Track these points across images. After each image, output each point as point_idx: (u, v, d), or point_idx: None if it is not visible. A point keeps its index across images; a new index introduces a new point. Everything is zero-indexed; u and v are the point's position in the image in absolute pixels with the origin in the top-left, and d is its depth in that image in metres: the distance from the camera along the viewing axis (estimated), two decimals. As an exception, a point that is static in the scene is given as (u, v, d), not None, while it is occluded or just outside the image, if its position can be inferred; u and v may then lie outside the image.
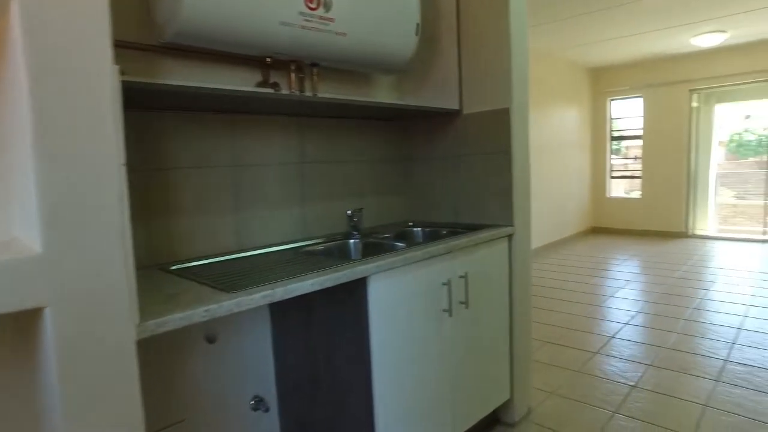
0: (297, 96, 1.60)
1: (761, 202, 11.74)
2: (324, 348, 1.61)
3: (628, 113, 7.10)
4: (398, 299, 1.52)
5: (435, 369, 1.68)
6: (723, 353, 2.76)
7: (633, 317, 3.42)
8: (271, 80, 1.81)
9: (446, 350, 1.72)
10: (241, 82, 1.75)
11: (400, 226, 2.26)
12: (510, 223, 2.03)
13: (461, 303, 1.76)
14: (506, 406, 2.11)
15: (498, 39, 1.99)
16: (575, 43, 5.51)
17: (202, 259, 1.60)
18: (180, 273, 1.40)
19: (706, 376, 2.49)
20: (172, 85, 1.25)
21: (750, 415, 2.14)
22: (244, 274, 1.34)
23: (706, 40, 5.31)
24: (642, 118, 6.83)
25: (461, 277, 1.76)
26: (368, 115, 2.13)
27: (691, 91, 6.36)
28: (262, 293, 1.13)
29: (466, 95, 2.15)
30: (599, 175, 7.27)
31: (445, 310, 1.69)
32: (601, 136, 7.20)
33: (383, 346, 1.47)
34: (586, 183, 7.18)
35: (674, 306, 3.63)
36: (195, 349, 1.59)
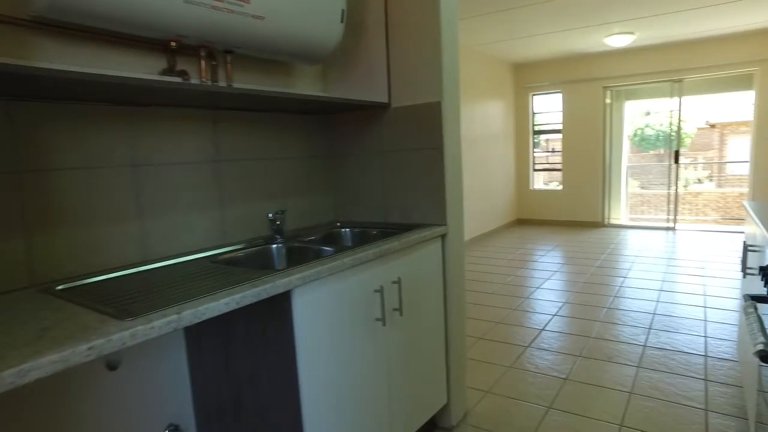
0: (208, 86, 1.41)
1: (662, 192, 12.80)
2: (247, 367, 1.45)
3: (548, 108, 7.39)
4: (326, 311, 1.38)
5: (370, 383, 1.56)
6: (641, 339, 2.89)
7: (560, 308, 3.51)
8: (178, 68, 1.60)
9: (381, 362, 1.61)
10: (142, 69, 1.52)
11: (328, 227, 2.12)
12: (443, 222, 1.95)
13: (395, 310, 1.66)
14: (444, 410, 2.04)
15: (428, 30, 1.89)
16: (497, 38, 5.61)
17: (98, 275, 1.37)
18: (67, 295, 1.17)
19: (629, 363, 2.58)
20: (39, 68, 1.03)
21: (667, 397, 2.23)
22: (147, 293, 1.15)
23: (617, 40, 5.60)
24: (561, 113, 7.12)
25: (394, 282, 1.65)
26: (291, 108, 1.97)
27: (605, 88, 6.71)
28: (166, 319, 0.95)
29: (395, 88, 2.04)
30: (523, 167, 7.51)
31: (378, 319, 1.58)
32: (524, 130, 7.43)
33: (312, 363, 1.33)
34: (511, 176, 7.40)
35: (596, 295, 3.78)
36: (93, 378, 1.37)
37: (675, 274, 4.29)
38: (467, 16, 4.65)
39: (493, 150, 6.74)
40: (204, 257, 1.61)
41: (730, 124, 15.76)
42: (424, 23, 1.90)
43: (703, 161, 16.61)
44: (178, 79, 1.57)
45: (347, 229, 2.12)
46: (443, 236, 1.96)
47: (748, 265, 1.92)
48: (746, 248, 1.93)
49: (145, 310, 0.99)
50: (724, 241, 5.70)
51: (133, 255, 1.53)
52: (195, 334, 1.58)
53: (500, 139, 6.96)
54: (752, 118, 6.00)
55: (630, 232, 6.56)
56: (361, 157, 2.19)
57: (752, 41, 5.76)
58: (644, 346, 2.79)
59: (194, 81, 1.64)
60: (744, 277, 1.94)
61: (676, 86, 6.30)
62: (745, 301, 1.51)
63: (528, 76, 7.22)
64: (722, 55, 5.92)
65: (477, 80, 6.23)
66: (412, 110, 1.99)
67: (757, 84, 5.86)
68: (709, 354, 2.66)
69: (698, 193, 11.75)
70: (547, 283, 4.20)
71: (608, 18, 4.90)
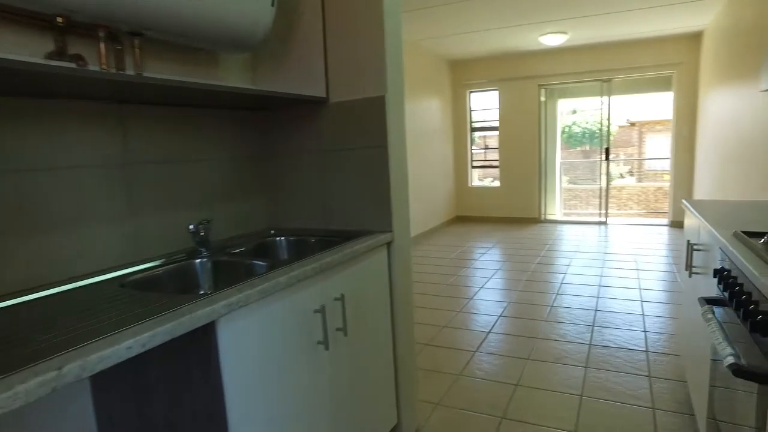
0: (106, 74, 1.16)
1: (590, 187, 13.40)
2: (165, 413, 1.21)
3: (486, 105, 7.45)
4: (259, 339, 1.18)
5: (312, 412, 1.37)
6: (586, 337, 2.89)
7: (505, 308, 3.47)
8: (71, 51, 1.32)
9: (324, 389, 1.43)
10: (22, 50, 1.24)
11: (261, 236, 1.90)
12: (388, 229, 1.79)
13: (338, 330, 1.48)
14: (394, 431, 1.89)
15: (369, 16, 1.72)
16: (435, 34, 5.55)
17: (-37, 310, 1.09)
18: None
19: (577, 364, 2.55)
20: None
21: (616, 398, 2.21)
22: (22, 337, 0.90)
23: (551, 39, 5.70)
24: (498, 111, 7.20)
25: (337, 299, 1.47)
26: (217, 103, 1.73)
27: (540, 86, 6.85)
28: (38, 379, 0.72)
29: (333, 81, 1.85)
30: (462, 165, 7.54)
31: (320, 342, 1.39)
32: (462, 127, 7.46)
33: (243, 401, 1.13)
34: (450, 173, 7.40)
35: (539, 293, 3.78)
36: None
37: (611, 269, 4.41)
38: (404, 10, 4.53)
39: (432, 147, 6.69)
40: (112, 279, 1.35)
41: (648, 122, 16.84)
42: (365, 11, 1.73)
43: (624, 157, 17.66)
44: (71, 65, 1.30)
45: (283, 238, 1.91)
46: (389, 244, 1.80)
47: (694, 264, 1.91)
48: (691, 248, 1.92)
49: (10, 367, 0.75)
50: (650, 233, 5.99)
51: (15, 280, 1.24)
52: (101, 375, 1.33)
53: (439, 136, 6.93)
54: (671, 118, 6.33)
55: (565, 227, 6.74)
56: (297, 157, 1.98)
57: (671, 45, 6.07)
58: (589, 344, 2.79)
59: (93, 68, 1.37)
60: (689, 276, 1.93)
61: (605, 86, 6.53)
62: (702, 305, 1.47)
63: (465, 73, 7.24)
64: (646, 58, 6.20)
65: (415, 76, 6.14)
66: (352, 105, 1.81)
67: (675, 86, 6.19)
68: (650, 349, 2.69)
69: (622, 188, 12.41)
70: (490, 282, 4.17)
71: (542, 17, 4.96)
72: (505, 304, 3.55)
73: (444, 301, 3.70)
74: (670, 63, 6.10)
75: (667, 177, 12.87)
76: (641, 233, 6.03)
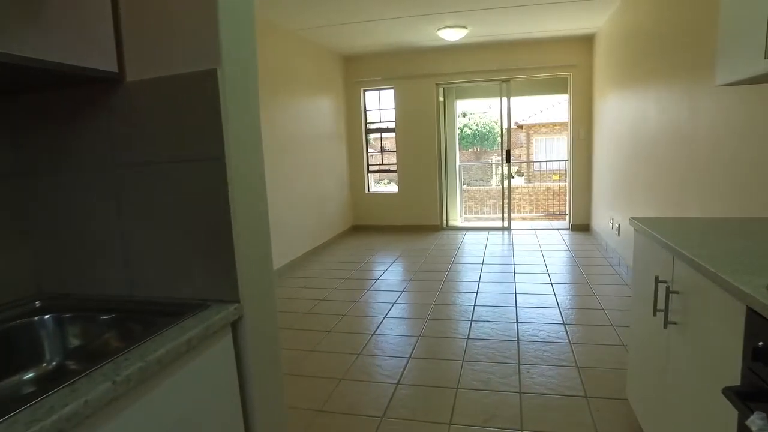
0: None
1: (483, 188, 13.53)
2: None
3: (382, 105, 6.90)
4: None
5: None
6: (515, 382, 2.37)
7: (415, 344, 2.87)
8: None
9: None
10: None
11: (11, 315, 1.07)
12: (233, 297, 1.06)
13: None
14: None
15: None
16: (322, 23, 4.86)
17: None
18: None
19: (511, 427, 2.00)
20: None
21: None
22: None
23: (450, 34, 5.27)
24: (394, 111, 6.68)
25: (106, 477, 0.71)
26: None
27: (438, 85, 6.43)
28: None
29: (130, 48, 1.08)
30: (357, 170, 6.91)
31: None
32: (356, 129, 6.83)
33: None
34: (345, 179, 6.74)
35: (452, 321, 3.24)
36: None
37: (524, 284, 4.02)
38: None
39: (323, 151, 5.98)
40: None
41: (534, 125, 17.65)
42: None
43: (513, 158, 18.37)
44: None
45: (49, 318, 1.09)
46: (236, 322, 1.07)
47: (671, 308, 1.42)
48: (665, 289, 1.42)
49: None
50: (554, 239, 5.81)
51: None
52: None
53: (331, 139, 6.24)
54: (567, 120, 6.27)
55: (469, 234, 6.39)
56: (76, 175, 1.17)
57: (567, 47, 5.97)
58: (520, 392, 2.27)
59: None
60: (665, 326, 1.44)
61: (504, 86, 6.29)
62: (739, 406, 0.94)
63: (359, 70, 6.62)
64: (543, 58, 6.04)
65: (303, 72, 5.40)
66: (164, 87, 1.06)
67: (571, 87, 6.11)
68: (589, 394, 2.23)
69: (514, 188, 12.68)
70: (395, 309, 3.56)
71: (440, 8, 4.49)
72: (414, 340, 2.95)
73: (341, 339, 3.02)
74: (566, 65, 6.00)
75: (556, 177, 13.40)
76: (545, 239, 5.84)
